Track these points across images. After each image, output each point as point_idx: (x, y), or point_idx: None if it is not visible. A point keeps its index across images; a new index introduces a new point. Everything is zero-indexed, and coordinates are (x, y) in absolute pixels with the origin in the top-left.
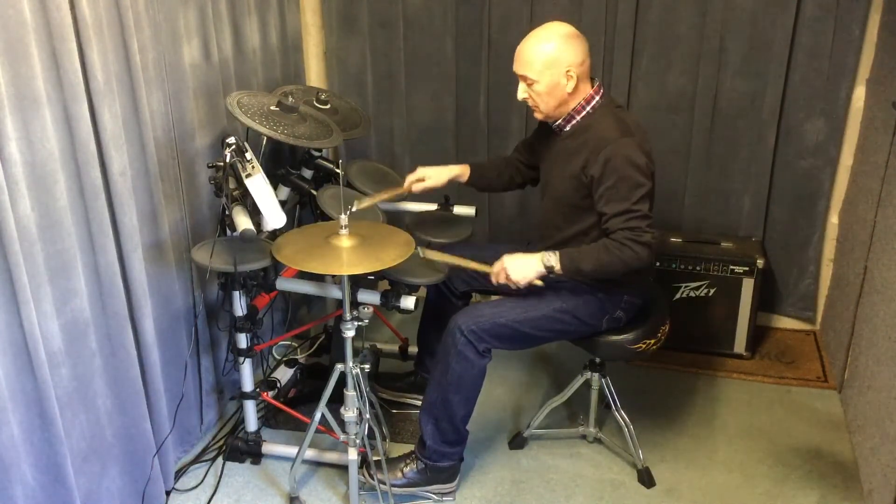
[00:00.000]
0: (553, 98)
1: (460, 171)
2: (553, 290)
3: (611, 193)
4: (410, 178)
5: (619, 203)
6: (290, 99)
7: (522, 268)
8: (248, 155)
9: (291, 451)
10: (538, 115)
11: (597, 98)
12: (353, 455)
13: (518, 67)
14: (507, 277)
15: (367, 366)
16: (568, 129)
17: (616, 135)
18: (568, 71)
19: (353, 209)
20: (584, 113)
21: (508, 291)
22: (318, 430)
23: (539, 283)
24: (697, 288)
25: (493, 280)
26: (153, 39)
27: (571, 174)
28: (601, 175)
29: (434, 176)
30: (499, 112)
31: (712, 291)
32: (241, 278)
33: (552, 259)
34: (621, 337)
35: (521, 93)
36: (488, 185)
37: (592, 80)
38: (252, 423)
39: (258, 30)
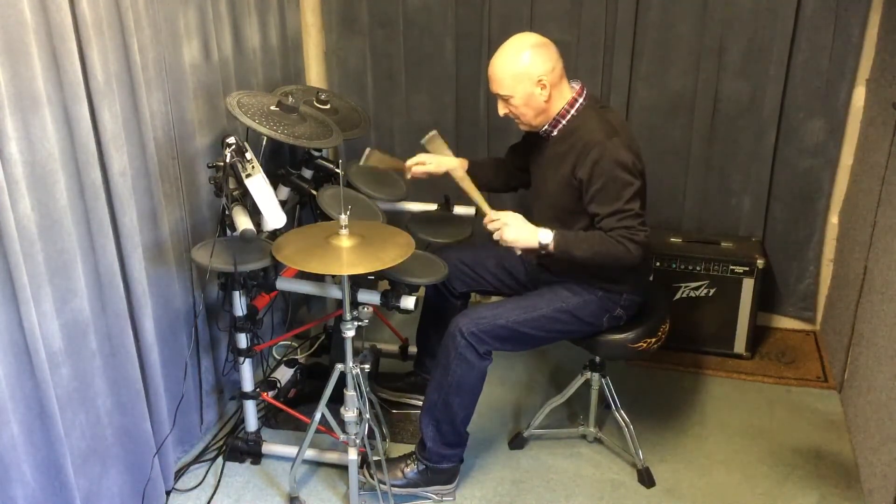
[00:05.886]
0: (531, 109)
1: (459, 163)
2: (552, 290)
3: (601, 195)
4: (411, 161)
5: (611, 204)
6: (290, 99)
7: (520, 233)
8: (248, 155)
9: (291, 451)
10: (524, 127)
11: (580, 100)
12: (353, 455)
13: (492, 86)
14: (500, 231)
15: (367, 366)
16: (555, 133)
17: (602, 136)
18: (540, 80)
19: (363, 161)
20: (568, 116)
21: (509, 292)
22: (318, 430)
23: (518, 251)
24: (697, 288)
25: (484, 222)
26: (153, 39)
27: (562, 178)
28: (590, 177)
29: (434, 163)
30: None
31: (712, 291)
32: (241, 278)
33: (548, 237)
34: (622, 336)
35: (501, 109)
36: (484, 184)
37: (572, 82)
38: (252, 423)
39: (258, 30)
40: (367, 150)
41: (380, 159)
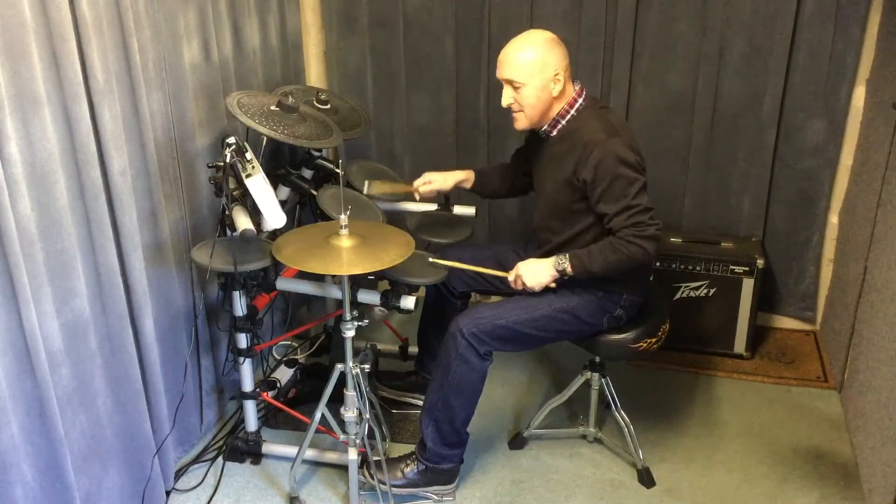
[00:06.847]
0: (540, 102)
1: (465, 175)
2: (552, 290)
3: (608, 194)
4: (418, 182)
5: (618, 202)
6: (290, 99)
7: (537, 273)
8: (248, 155)
9: (291, 451)
10: (522, 123)
11: (580, 101)
12: (353, 455)
13: (504, 72)
14: (523, 284)
15: (367, 366)
16: (555, 134)
17: (603, 136)
18: (556, 74)
19: (365, 191)
20: (568, 116)
21: (509, 292)
22: (318, 430)
23: (553, 285)
24: (697, 288)
25: (512, 285)
26: (153, 39)
27: (564, 179)
28: (594, 178)
29: (440, 180)
30: (499, 112)
31: (712, 291)
32: (241, 278)
33: (564, 263)
34: (622, 336)
35: (507, 98)
36: (492, 192)
37: (573, 82)
38: (252, 423)
39: (258, 30)
40: (367, 183)
41: (382, 187)
